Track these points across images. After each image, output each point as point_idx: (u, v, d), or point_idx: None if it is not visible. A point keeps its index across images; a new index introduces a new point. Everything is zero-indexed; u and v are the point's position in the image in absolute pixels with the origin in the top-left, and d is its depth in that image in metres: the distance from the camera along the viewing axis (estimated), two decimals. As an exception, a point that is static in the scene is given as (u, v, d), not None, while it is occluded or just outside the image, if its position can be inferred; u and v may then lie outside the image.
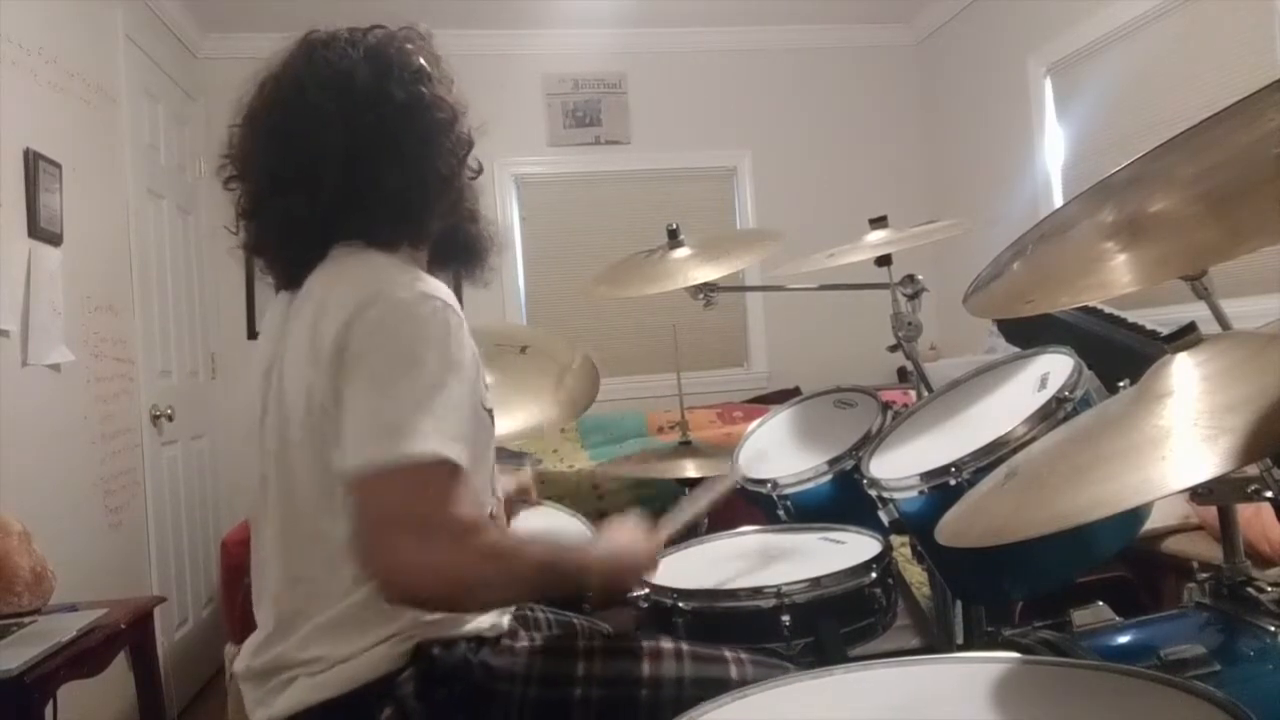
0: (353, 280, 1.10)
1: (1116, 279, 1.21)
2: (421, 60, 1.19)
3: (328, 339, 1.05)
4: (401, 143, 1.14)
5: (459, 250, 1.31)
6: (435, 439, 0.98)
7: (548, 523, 1.91)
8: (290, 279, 1.20)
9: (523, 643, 1.19)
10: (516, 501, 1.61)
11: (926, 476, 1.37)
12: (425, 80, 1.17)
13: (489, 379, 2.04)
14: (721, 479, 1.58)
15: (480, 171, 1.28)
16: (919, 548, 1.59)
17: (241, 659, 1.16)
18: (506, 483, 1.58)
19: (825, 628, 1.37)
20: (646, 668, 1.16)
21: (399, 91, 1.14)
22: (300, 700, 1.07)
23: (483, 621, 1.16)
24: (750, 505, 1.89)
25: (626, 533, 1.24)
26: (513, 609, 1.27)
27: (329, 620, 1.08)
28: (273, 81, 1.18)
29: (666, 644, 1.21)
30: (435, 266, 1.30)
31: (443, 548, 0.97)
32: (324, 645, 1.08)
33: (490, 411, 1.22)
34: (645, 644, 1.20)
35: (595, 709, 1.12)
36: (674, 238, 2.08)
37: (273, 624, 1.13)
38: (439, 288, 1.10)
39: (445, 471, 0.99)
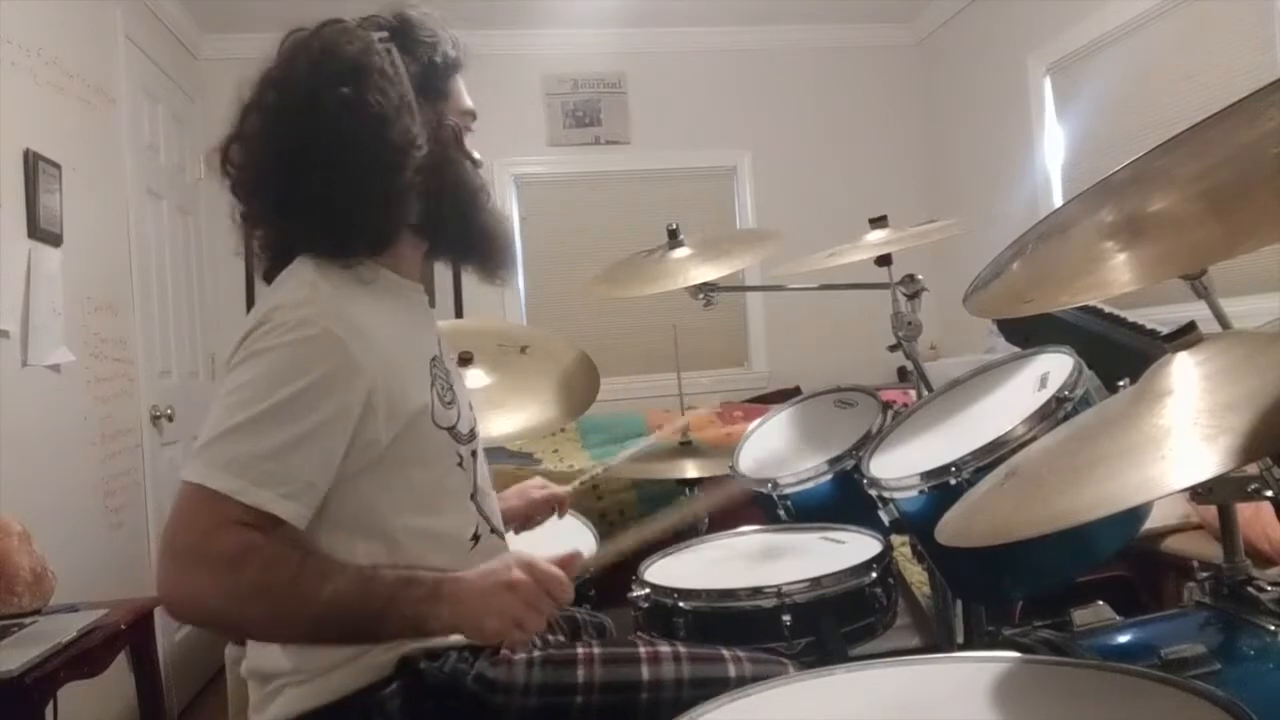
0: (267, 297, 1.09)
1: (1116, 278, 1.21)
2: (358, 57, 1.10)
3: (227, 357, 1.06)
4: (327, 151, 1.08)
5: (460, 247, 1.27)
6: (227, 471, 0.96)
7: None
8: (264, 277, 1.20)
9: (520, 652, 1.17)
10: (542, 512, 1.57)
11: (926, 476, 1.37)
12: (353, 80, 1.08)
13: (487, 379, 2.06)
14: (684, 504, 1.53)
15: (475, 161, 1.24)
16: (919, 547, 1.59)
17: (245, 660, 1.16)
18: (532, 491, 1.55)
19: (825, 627, 1.37)
20: (645, 671, 1.15)
21: (324, 97, 1.08)
22: (286, 710, 1.08)
23: None
24: (750, 505, 1.89)
25: (511, 561, 1.05)
26: None
27: None
28: (247, 86, 1.16)
29: (664, 647, 1.20)
30: (445, 264, 1.29)
31: (199, 578, 0.95)
32: (305, 653, 1.07)
33: (452, 429, 1.17)
34: (643, 648, 1.19)
35: (595, 716, 1.12)
36: (674, 238, 2.08)
37: None
38: (330, 309, 1.04)
39: (227, 504, 0.95)
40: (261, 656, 1.12)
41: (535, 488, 1.56)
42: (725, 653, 1.20)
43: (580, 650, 1.19)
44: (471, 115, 1.25)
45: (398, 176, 1.11)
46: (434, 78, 1.19)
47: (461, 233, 1.24)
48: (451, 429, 1.18)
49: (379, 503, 1.10)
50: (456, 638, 1.11)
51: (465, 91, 1.25)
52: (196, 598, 0.97)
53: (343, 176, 1.09)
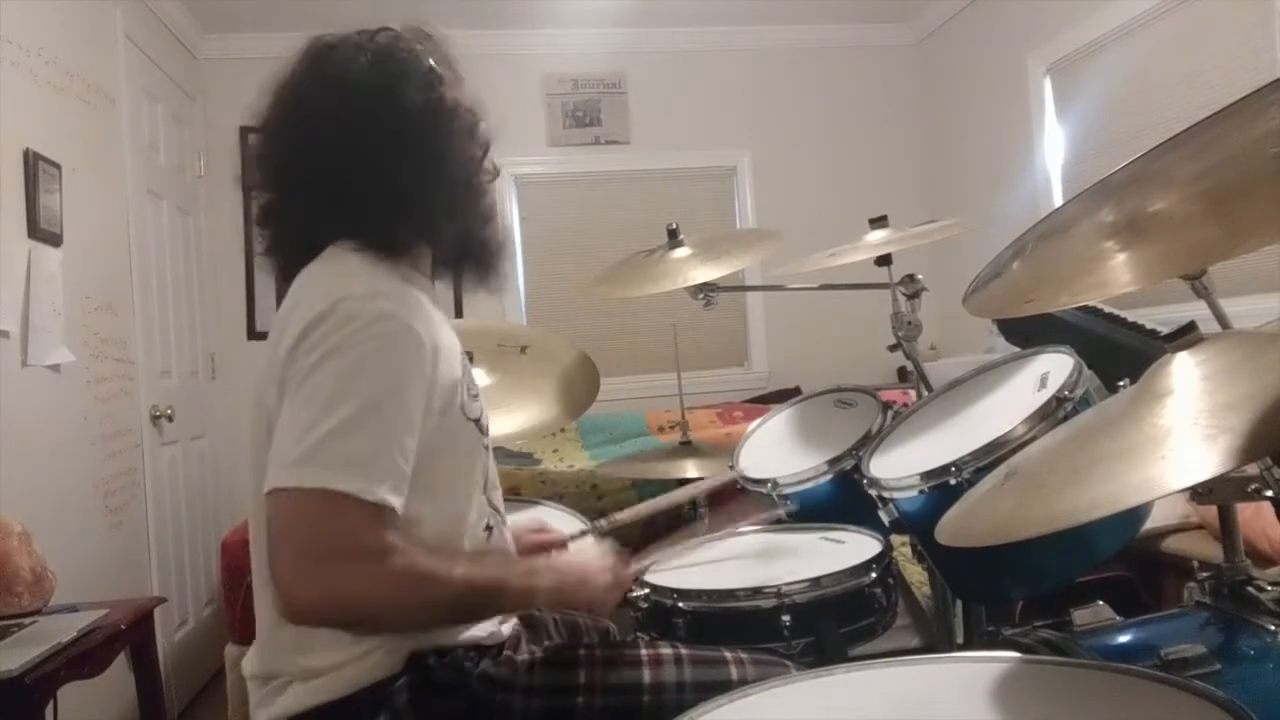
0: (316, 289, 1.09)
1: (1116, 278, 1.21)
2: (431, 62, 1.17)
3: (284, 349, 1.05)
4: (416, 145, 1.13)
5: (470, 255, 1.29)
6: (348, 472, 0.97)
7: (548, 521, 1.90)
8: (284, 272, 1.20)
9: (523, 653, 1.18)
10: None
11: (926, 476, 1.37)
12: (440, 82, 1.16)
13: (487, 379, 2.06)
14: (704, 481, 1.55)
15: (497, 174, 1.26)
16: (919, 547, 1.59)
17: (247, 660, 1.17)
18: (528, 536, 1.47)
19: (825, 628, 1.37)
20: (647, 674, 1.15)
21: (415, 94, 1.13)
22: (296, 704, 1.08)
23: (480, 630, 1.15)
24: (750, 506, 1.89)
25: (586, 554, 1.22)
26: (514, 615, 1.26)
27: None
28: (279, 86, 1.18)
29: (666, 649, 1.20)
30: (444, 269, 1.30)
31: (345, 576, 0.96)
32: (315, 651, 1.08)
33: (477, 421, 1.19)
34: (645, 650, 1.20)
35: (597, 717, 1.12)
36: (674, 238, 2.08)
37: (264, 628, 1.13)
38: (402, 302, 1.07)
39: (354, 504, 0.96)
40: (266, 654, 1.12)
41: (531, 531, 1.49)
42: (728, 655, 1.20)
43: (582, 651, 1.20)
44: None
45: (480, 172, 1.20)
46: None
47: (481, 239, 1.27)
48: (477, 421, 1.20)
49: (411, 493, 1.09)
50: (466, 636, 1.12)
51: None
52: (351, 595, 0.96)
53: (434, 169, 1.14)
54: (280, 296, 1.19)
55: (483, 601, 1.09)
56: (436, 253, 1.26)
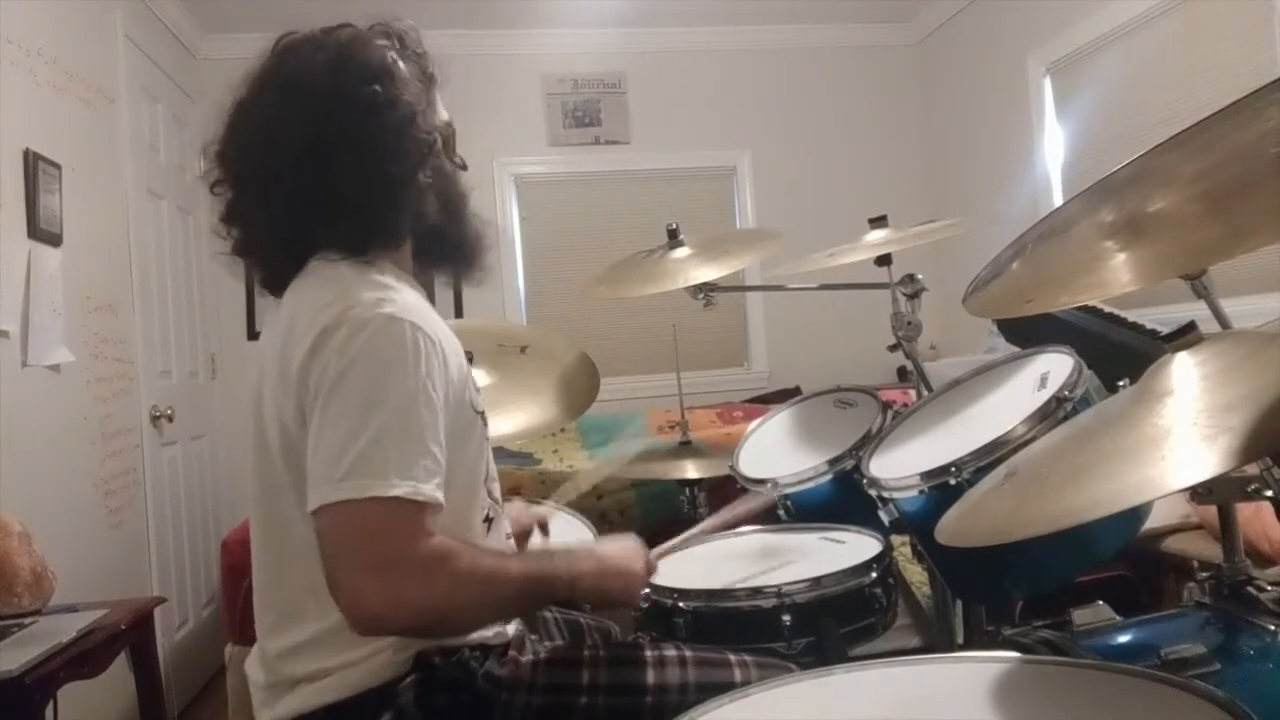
0: (318, 300, 1.08)
1: (1116, 278, 1.21)
2: (385, 58, 1.15)
3: (295, 362, 1.05)
4: (357, 145, 1.11)
5: (447, 250, 1.28)
6: (395, 476, 0.98)
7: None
8: (270, 284, 1.21)
9: (528, 653, 1.18)
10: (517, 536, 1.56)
11: (926, 476, 1.37)
12: (382, 80, 1.13)
13: (487, 379, 2.06)
14: (742, 502, 1.57)
15: (463, 166, 1.26)
16: (919, 547, 1.59)
17: (250, 663, 1.17)
18: (517, 511, 1.54)
19: (825, 628, 1.37)
20: (651, 675, 1.16)
21: (353, 93, 1.11)
22: (302, 704, 1.08)
23: (486, 631, 1.15)
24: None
25: (620, 543, 1.23)
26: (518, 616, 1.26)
27: (326, 629, 1.07)
28: (243, 86, 1.17)
29: (670, 651, 1.21)
30: (427, 267, 1.30)
31: (409, 583, 0.97)
32: (323, 654, 1.08)
33: (482, 414, 1.21)
34: (649, 651, 1.20)
35: (600, 717, 1.13)
36: (674, 238, 2.08)
37: (269, 632, 1.13)
38: (406, 306, 1.07)
39: (408, 507, 0.98)
40: (269, 658, 1.12)
41: (519, 510, 1.55)
42: (732, 657, 1.20)
43: (586, 651, 1.21)
44: (450, 127, 1.27)
45: (421, 173, 1.15)
46: (426, 87, 1.22)
47: (450, 234, 1.26)
48: (482, 414, 1.21)
49: None
50: (472, 636, 1.12)
51: (442, 105, 1.27)
52: (417, 602, 0.98)
53: (374, 171, 1.11)
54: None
55: (538, 594, 1.12)
56: (413, 251, 1.25)
